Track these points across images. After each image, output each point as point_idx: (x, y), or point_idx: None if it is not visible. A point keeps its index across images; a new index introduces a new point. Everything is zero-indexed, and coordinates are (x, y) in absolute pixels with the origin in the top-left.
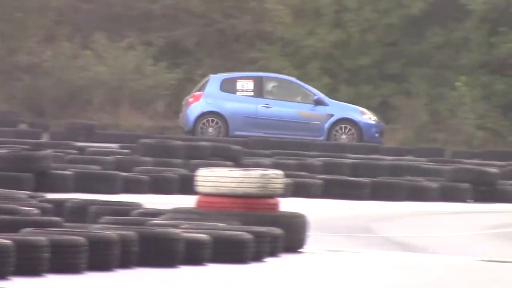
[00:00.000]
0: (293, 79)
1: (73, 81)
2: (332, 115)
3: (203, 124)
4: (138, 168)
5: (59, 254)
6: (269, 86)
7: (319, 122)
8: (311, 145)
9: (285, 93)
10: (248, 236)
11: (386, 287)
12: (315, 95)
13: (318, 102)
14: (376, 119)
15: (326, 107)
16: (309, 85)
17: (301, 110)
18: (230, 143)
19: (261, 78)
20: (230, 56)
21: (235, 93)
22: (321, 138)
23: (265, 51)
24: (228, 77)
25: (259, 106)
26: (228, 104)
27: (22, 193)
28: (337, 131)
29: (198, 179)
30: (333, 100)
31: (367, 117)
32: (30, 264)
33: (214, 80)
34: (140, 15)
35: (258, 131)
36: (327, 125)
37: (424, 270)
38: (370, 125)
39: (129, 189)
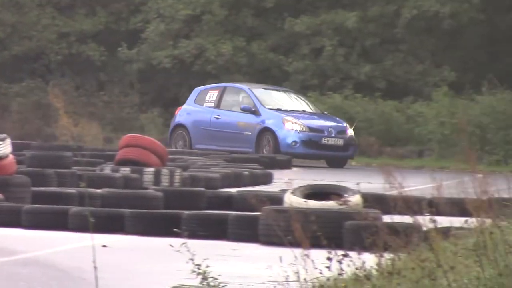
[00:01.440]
0: (244, 86)
1: None
2: (261, 125)
3: (176, 136)
4: None
5: None
6: (227, 96)
7: (250, 133)
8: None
9: (236, 102)
10: None
11: None
12: (254, 103)
13: (248, 111)
14: (305, 129)
15: (259, 117)
16: None
17: (239, 120)
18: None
19: (224, 88)
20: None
21: (202, 105)
22: (251, 150)
23: None
24: (203, 88)
25: (212, 118)
26: (192, 117)
27: None
28: (263, 141)
29: None
30: (267, 108)
31: (290, 126)
32: None
33: (194, 92)
34: None
35: (212, 144)
36: (254, 135)
37: None
38: (288, 136)
39: None
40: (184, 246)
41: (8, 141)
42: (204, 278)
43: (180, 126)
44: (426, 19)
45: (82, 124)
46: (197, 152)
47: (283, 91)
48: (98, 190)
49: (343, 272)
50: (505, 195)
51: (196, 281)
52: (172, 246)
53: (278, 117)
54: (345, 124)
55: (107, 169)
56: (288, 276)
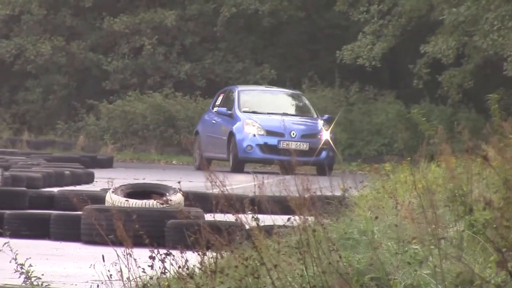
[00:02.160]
0: (236, 88)
1: None
2: (230, 129)
3: (195, 144)
4: None
5: None
6: (226, 99)
7: (225, 137)
8: None
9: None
10: None
11: None
12: (233, 105)
13: (223, 114)
14: (263, 132)
15: (232, 120)
16: None
17: (221, 125)
18: None
19: (225, 90)
20: None
21: (213, 110)
22: (225, 156)
23: None
24: (219, 92)
25: (211, 123)
26: (202, 123)
27: None
28: (230, 146)
29: None
30: (242, 111)
31: (248, 130)
32: None
33: (215, 97)
34: None
35: (211, 152)
36: (226, 140)
37: None
38: (245, 139)
39: None
40: (7, 245)
41: None
42: (28, 278)
43: (197, 133)
44: (245, 17)
45: None
46: (18, 152)
47: (285, 93)
48: None
49: (166, 270)
50: (328, 193)
51: (20, 280)
52: None
53: (242, 120)
54: (319, 128)
55: None
56: (111, 275)
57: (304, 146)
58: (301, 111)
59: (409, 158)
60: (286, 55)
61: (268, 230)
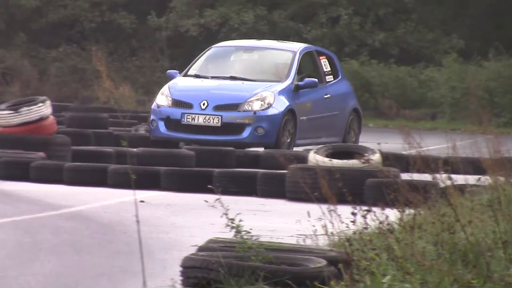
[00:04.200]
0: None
1: None
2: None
3: None
4: None
5: None
6: None
7: None
8: None
9: None
10: None
11: None
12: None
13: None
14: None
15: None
16: None
17: None
18: None
19: None
20: None
21: None
22: None
23: None
24: None
25: None
26: None
27: None
28: None
29: None
30: (182, 75)
31: (161, 101)
32: None
33: None
34: None
35: None
36: None
37: None
38: (153, 113)
39: None
40: (218, 201)
41: (48, 103)
42: (238, 232)
43: None
44: None
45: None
46: None
47: (262, 50)
48: (134, 149)
49: (368, 226)
50: None
51: (230, 234)
52: (207, 201)
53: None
54: (256, 96)
55: (142, 130)
56: (316, 230)
57: (215, 120)
58: (267, 74)
59: None
60: (473, 26)
61: (461, 189)
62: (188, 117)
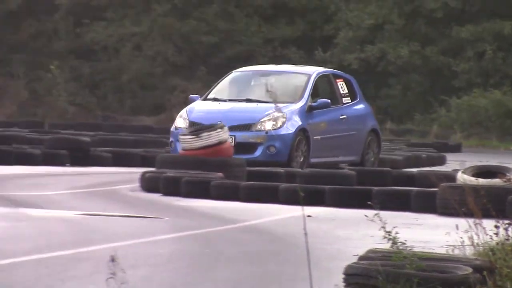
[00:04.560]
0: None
1: None
2: None
3: None
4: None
5: None
6: None
7: None
8: None
9: None
10: None
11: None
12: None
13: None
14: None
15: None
16: None
17: None
18: None
19: None
20: None
21: None
22: None
23: None
24: None
25: None
26: None
27: None
28: None
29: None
30: (202, 99)
31: (179, 123)
32: None
33: None
34: None
35: None
36: None
37: (34, 221)
38: (173, 135)
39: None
40: (377, 216)
41: (226, 128)
42: (394, 243)
43: None
44: None
45: None
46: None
47: (279, 74)
48: (302, 170)
49: (509, 237)
50: None
51: (387, 245)
52: (366, 216)
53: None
54: (263, 115)
55: None
56: (463, 241)
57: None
58: (283, 96)
59: None
60: None
61: None
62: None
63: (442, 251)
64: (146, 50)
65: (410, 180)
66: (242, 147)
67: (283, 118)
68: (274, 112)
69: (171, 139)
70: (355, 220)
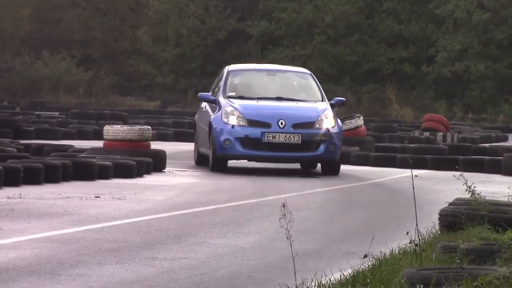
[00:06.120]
0: (227, 67)
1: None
2: (209, 119)
3: None
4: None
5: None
6: None
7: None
8: None
9: None
10: (133, 162)
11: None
12: (220, 89)
13: (207, 101)
14: (244, 123)
15: (215, 109)
16: None
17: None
18: None
19: None
20: None
21: None
22: None
23: None
24: None
25: None
26: (198, 112)
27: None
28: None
29: (104, 131)
30: (226, 97)
31: (227, 120)
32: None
33: None
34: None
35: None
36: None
37: (230, 180)
38: (222, 132)
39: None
40: (461, 176)
41: (361, 117)
42: (472, 194)
43: (195, 123)
44: None
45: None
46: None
47: (284, 72)
48: (411, 145)
49: None
50: None
51: (468, 195)
52: (454, 176)
53: (222, 108)
54: (319, 115)
55: (417, 133)
56: None
57: (296, 138)
58: (303, 94)
59: None
60: None
61: None
62: (268, 135)
63: (505, 199)
64: (309, 66)
65: (484, 151)
66: (308, 145)
67: (333, 117)
68: (327, 110)
69: (226, 137)
70: (447, 178)
